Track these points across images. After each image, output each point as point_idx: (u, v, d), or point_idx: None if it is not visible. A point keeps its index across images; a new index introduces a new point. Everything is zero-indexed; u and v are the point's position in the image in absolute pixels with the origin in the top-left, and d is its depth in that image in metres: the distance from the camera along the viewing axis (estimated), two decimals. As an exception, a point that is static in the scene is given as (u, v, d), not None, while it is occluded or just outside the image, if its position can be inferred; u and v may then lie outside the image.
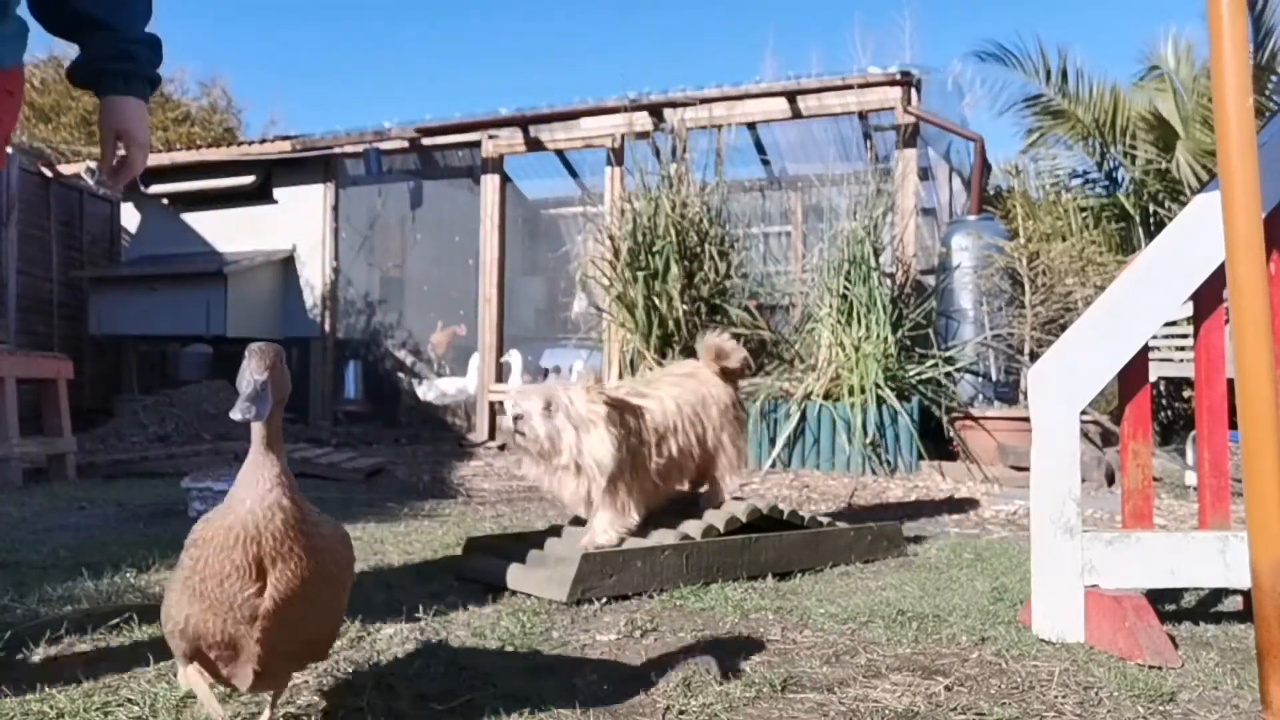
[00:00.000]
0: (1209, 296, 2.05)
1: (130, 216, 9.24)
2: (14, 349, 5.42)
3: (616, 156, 7.23)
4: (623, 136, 7.09)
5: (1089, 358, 2.00)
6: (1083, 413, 2.03)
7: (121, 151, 1.72)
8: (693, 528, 2.58)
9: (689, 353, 3.15)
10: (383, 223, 9.38)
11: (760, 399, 5.32)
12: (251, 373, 1.16)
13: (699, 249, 5.90)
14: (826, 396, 5.28)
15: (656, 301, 5.76)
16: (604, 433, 2.39)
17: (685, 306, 5.74)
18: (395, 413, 8.29)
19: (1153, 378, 4.06)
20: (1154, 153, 8.39)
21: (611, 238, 6.14)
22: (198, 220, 8.83)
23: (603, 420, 2.40)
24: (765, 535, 2.62)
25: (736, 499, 2.88)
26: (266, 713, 1.36)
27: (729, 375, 2.86)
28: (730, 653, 1.86)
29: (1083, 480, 2.24)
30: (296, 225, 8.43)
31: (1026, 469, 2.07)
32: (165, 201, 8.95)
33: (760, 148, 7.83)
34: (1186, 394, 6.65)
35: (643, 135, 6.89)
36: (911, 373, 5.32)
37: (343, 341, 8.62)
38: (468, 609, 2.17)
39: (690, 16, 36.97)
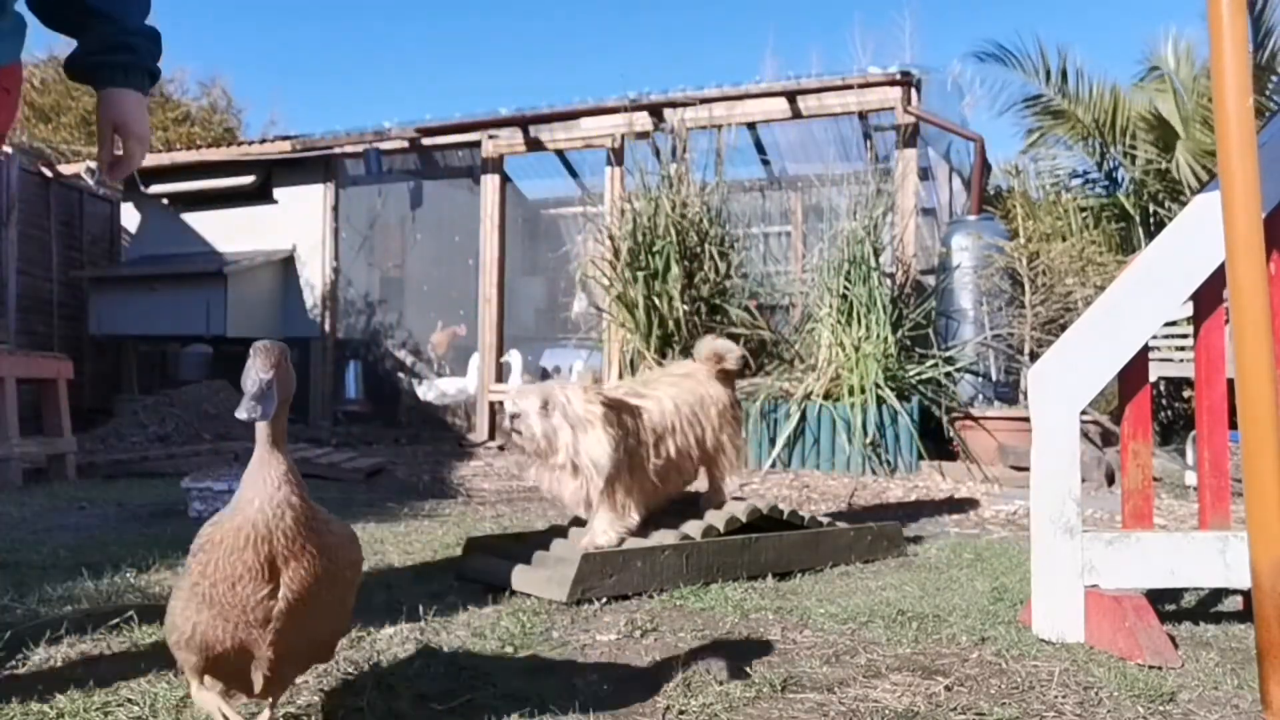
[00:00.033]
0: (1209, 296, 2.05)
1: (130, 216, 9.24)
2: (14, 349, 5.42)
3: (616, 156, 7.22)
4: (623, 136, 7.09)
5: (1089, 358, 2.00)
6: (1083, 413, 2.03)
7: (119, 151, 1.70)
8: (693, 528, 2.58)
9: (689, 353, 3.15)
10: (383, 223, 9.38)
11: (760, 399, 5.32)
12: (257, 371, 1.14)
13: (699, 249, 5.90)
14: (826, 396, 5.28)
15: (656, 301, 5.76)
16: (601, 433, 2.39)
17: (685, 306, 5.74)
18: (395, 413, 8.29)
19: (1153, 378, 4.06)
20: (1154, 153, 8.39)
21: (611, 238, 6.14)
22: (198, 220, 8.83)
23: (600, 420, 2.40)
24: (765, 535, 2.62)
25: (736, 499, 2.88)
26: (266, 713, 1.36)
27: (727, 375, 2.87)
28: (730, 653, 1.86)
29: (1083, 480, 2.24)
30: (296, 225, 8.43)
31: (1026, 469, 2.07)
32: (165, 201, 8.95)
33: (760, 148, 7.82)
34: (1186, 394, 6.65)
35: (643, 135, 6.89)
36: (911, 373, 5.32)
37: (343, 341, 8.62)
38: (468, 609, 2.17)
39: (690, 16, 37.01)
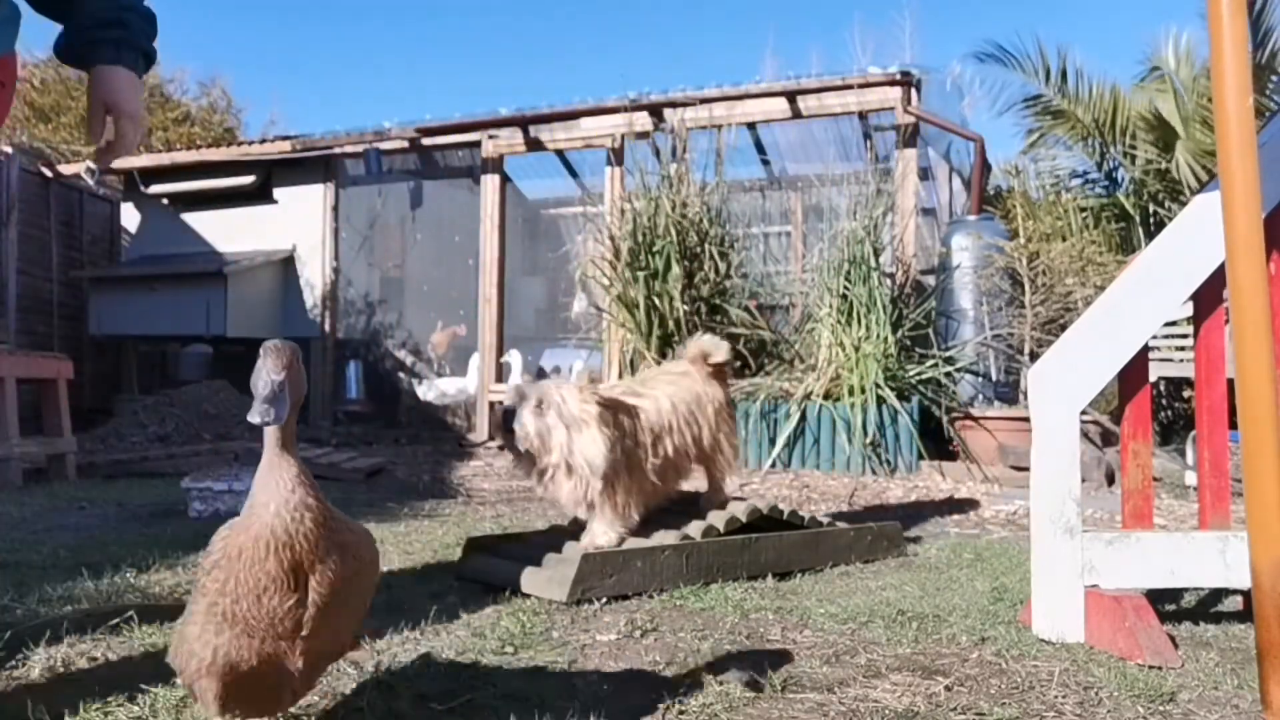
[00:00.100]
0: (1209, 296, 2.05)
1: (130, 216, 9.24)
2: (14, 349, 5.43)
3: (616, 156, 7.23)
4: (623, 136, 7.09)
5: (1089, 358, 2.00)
6: (1083, 413, 2.03)
7: (110, 137, 1.61)
8: (693, 528, 2.58)
9: (688, 353, 3.15)
10: (383, 223, 9.38)
11: (760, 399, 5.32)
12: (268, 372, 1.09)
13: (699, 249, 5.90)
14: (826, 396, 5.28)
15: (657, 301, 5.76)
16: (596, 433, 2.38)
17: (685, 306, 5.74)
18: (395, 413, 8.29)
19: (1153, 378, 4.06)
20: (1154, 153, 8.39)
21: (611, 238, 6.14)
22: (198, 220, 8.83)
23: (595, 420, 2.39)
24: (765, 535, 2.62)
25: (737, 499, 2.88)
26: None
27: (720, 374, 2.87)
28: (730, 653, 1.86)
29: (1083, 480, 2.24)
30: (296, 225, 8.43)
31: (1026, 469, 2.07)
32: (165, 201, 8.95)
33: (760, 148, 7.83)
34: (1186, 394, 6.65)
35: (643, 135, 6.89)
36: (911, 373, 5.32)
37: (343, 341, 8.63)
38: (468, 609, 2.17)
39: (690, 16, 36.99)
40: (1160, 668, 1.79)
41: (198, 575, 1.16)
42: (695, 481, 2.89)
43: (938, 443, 5.22)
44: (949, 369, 5.40)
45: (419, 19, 36.12)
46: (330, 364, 8.38)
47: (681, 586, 2.39)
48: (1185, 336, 5.66)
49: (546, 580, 2.29)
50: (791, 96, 6.73)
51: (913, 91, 6.37)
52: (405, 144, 8.05)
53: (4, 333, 7.60)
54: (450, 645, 1.87)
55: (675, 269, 5.76)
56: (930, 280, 6.35)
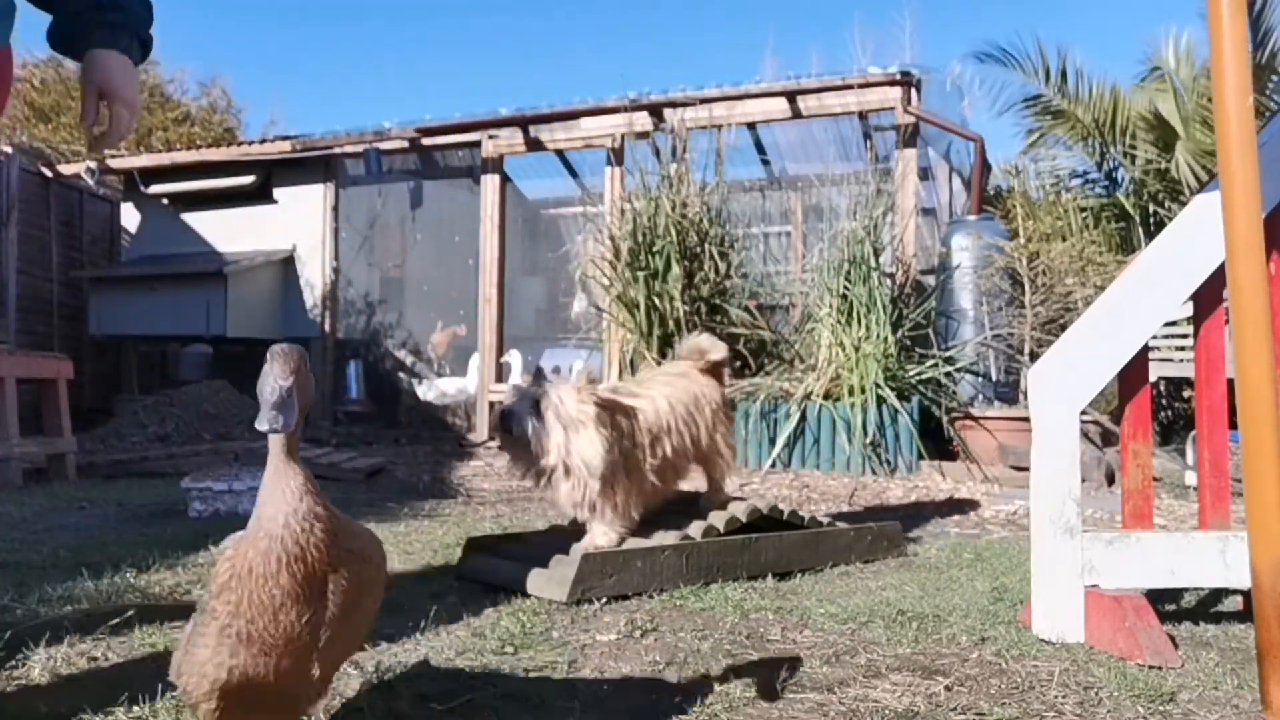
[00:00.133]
0: (1209, 296, 2.05)
1: (130, 216, 9.24)
2: (14, 349, 5.42)
3: (616, 156, 7.23)
4: (623, 136, 7.09)
5: (1089, 358, 2.00)
6: (1083, 413, 2.03)
7: (104, 125, 1.55)
8: (693, 528, 2.58)
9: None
10: (383, 223, 9.38)
11: (760, 399, 5.32)
12: (275, 378, 1.05)
13: (699, 249, 5.90)
14: (826, 396, 5.28)
15: (657, 301, 5.76)
16: (593, 434, 2.37)
17: (685, 306, 5.74)
18: (395, 413, 8.29)
19: (1153, 378, 4.06)
20: (1154, 153, 8.40)
21: (611, 238, 6.14)
22: (198, 220, 8.83)
23: (592, 421, 2.38)
24: (765, 535, 2.62)
25: (737, 499, 2.88)
26: None
27: (717, 374, 2.87)
28: (730, 653, 1.86)
29: (1083, 480, 2.24)
30: (296, 225, 8.43)
31: (1026, 469, 2.07)
32: (165, 201, 8.95)
33: (760, 148, 7.83)
34: (1186, 394, 6.65)
35: (643, 135, 6.89)
36: (911, 373, 5.32)
37: (343, 341, 8.63)
38: (468, 609, 2.17)
39: (690, 16, 36.99)
40: (1160, 668, 1.79)
41: (204, 597, 1.12)
42: (695, 481, 2.89)
43: (938, 443, 5.22)
44: (949, 369, 5.40)
45: (419, 19, 36.14)
46: (330, 364, 8.38)
47: (681, 586, 2.39)
48: (1185, 336, 5.66)
49: (546, 580, 2.29)
50: (791, 96, 6.73)
51: (913, 91, 6.37)
52: (405, 144, 8.05)
53: (4, 333, 7.60)
54: (450, 645, 1.87)
55: (675, 269, 5.76)
56: (930, 280, 6.35)
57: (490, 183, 7.75)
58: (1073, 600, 1.95)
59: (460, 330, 9.11)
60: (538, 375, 2.55)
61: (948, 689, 1.66)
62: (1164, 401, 6.77)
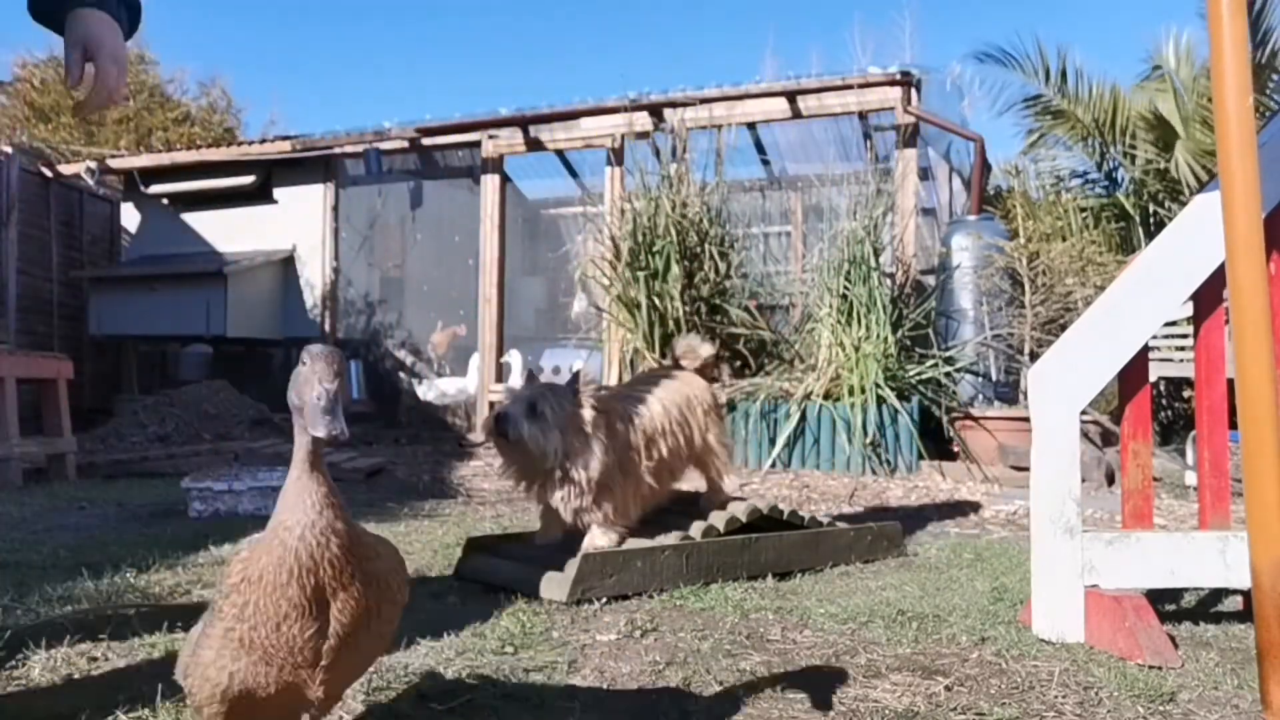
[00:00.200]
0: (1209, 296, 2.05)
1: (130, 216, 9.24)
2: (14, 349, 5.42)
3: (616, 156, 7.23)
4: (623, 136, 7.09)
5: (1089, 358, 2.00)
6: (1083, 413, 2.03)
7: (89, 84, 1.47)
8: (693, 528, 2.58)
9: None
10: (383, 223, 9.38)
11: (760, 399, 5.32)
12: (322, 381, 1.02)
13: (699, 249, 5.90)
14: (826, 396, 5.28)
15: (657, 301, 5.76)
16: (591, 436, 2.37)
17: (685, 306, 5.74)
18: (395, 413, 8.29)
19: (1153, 378, 4.06)
20: (1154, 153, 8.40)
21: (611, 238, 6.14)
22: (198, 220, 8.84)
23: (589, 423, 2.38)
24: (765, 535, 2.62)
25: (737, 499, 2.88)
26: None
27: (706, 374, 2.88)
28: (730, 653, 1.86)
29: (1083, 480, 2.24)
30: (296, 225, 8.43)
31: (1026, 469, 2.07)
32: (165, 201, 8.95)
33: (760, 148, 7.83)
34: (1186, 394, 6.65)
35: (643, 135, 6.89)
36: (911, 373, 5.32)
37: (343, 341, 8.62)
38: (468, 609, 2.17)
39: (690, 16, 36.98)
40: (1160, 668, 1.79)
41: (214, 597, 1.12)
42: (695, 482, 2.89)
43: (938, 443, 5.22)
44: (949, 369, 5.40)
45: (419, 19, 36.14)
46: (330, 364, 8.35)
47: (681, 586, 2.39)
48: (1185, 336, 5.66)
49: (546, 580, 2.28)
50: (791, 96, 6.73)
51: (913, 91, 6.37)
52: (405, 144, 8.05)
53: (4, 333, 7.60)
54: (450, 645, 1.87)
55: (675, 269, 5.76)
56: (930, 280, 6.35)
57: (490, 183, 7.75)
58: (1073, 600, 1.95)
59: (460, 330, 9.11)
60: (530, 378, 2.54)
61: (948, 689, 1.66)
62: (1164, 401, 6.77)
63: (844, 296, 5.49)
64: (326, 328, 8.35)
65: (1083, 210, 8.20)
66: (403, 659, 1.77)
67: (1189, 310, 2.16)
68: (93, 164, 8.85)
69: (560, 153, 8.15)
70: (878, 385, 5.12)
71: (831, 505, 4.16)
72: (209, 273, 7.92)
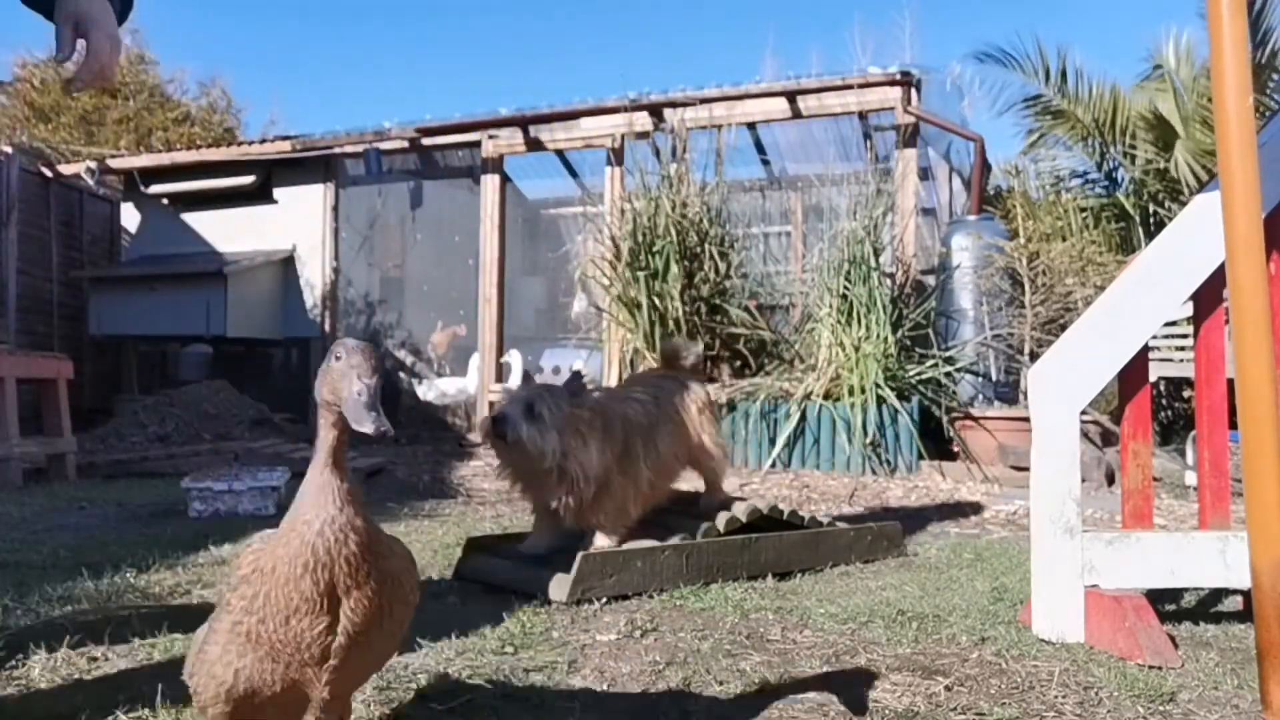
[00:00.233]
0: (1209, 296, 2.05)
1: (130, 216, 9.24)
2: (14, 349, 5.42)
3: (616, 156, 7.22)
4: (623, 136, 7.09)
5: (1089, 358, 2.00)
6: (1083, 413, 2.03)
7: (80, 58, 1.44)
8: (693, 528, 2.58)
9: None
10: (383, 223, 9.38)
11: (760, 399, 5.32)
12: (362, 376, 1.01)
13: (699, 249, 5.90)
14: (826, 396, 5.28)
15: (657, 301, 5.76)
16: (589, 436, 2.37)
17: (685, 306, 5.74)
18: (395, 413, 8.28)
19: (1153, 378, 4.06)
20: (1154, 153, 8.39)
21: (612, 238, 6.14)
22: (198, 220, 8.83)
23: (586, 424, 2.38)
24: (765, 535, 2.62)
25: (737, 499, 2.88)
26: None
27: (698, 374, 2.90)
28: (730, 653, 1.86)
29: (1083, 480, 2.24)
30: (296, 225, 8.43)
31: (1026, 469, 2.07)
32: (165, 201, 8.95)
33: (760, 148, 7.82)
34: (1186, 394, 6.65)
35: (643, 135, 6.89)
36: (911, 373, 5.32)
37: (343, 342, 8.61)
38: (467, 609, 2.17)
39: (690, 16, 36.95)
40: (1160, 668, 1.79)
41: (222, 591, 1.10)
42: (695, 482, 2.89)
43: (938, 443, 5.22)
44: (949, 369, 5.40)
45: (419, 19, 36.11)
46: (330, 364, 8.36)
47: (681, 586, 2.39)
48: (1185, 336, 5.66)
49: (546, 580, 2.28)
50: (791, 96, 6.73)
51: (913, 91, 6.37)
52: (405, 144, 8.04)
53: (4, 333, 7.60)
54: (450, 645, 1.87)
55: (675, 269, 5.76)
56: (930, 280, 6.35)
57: (490, 183, 7.75)
58: (1073, 600, 1.95)
59: (460, 330, 9.11)
60: (526, 379, 2.54)
61: (948, 689, 1.66)
62: (1164, 401, 6.77)
63: (844, 296, 5.49)
64: (326, 328, 8.35)
65: (1083, 210, 8.19)
66: (403, 659, 1.77)
67: (1189, 310, 2.16)
68: (93, 164, 8.84)
69: (560, 153, 8.15)
70: (878, 385, 5.12)
71: (831, 505, 4.16)
72: (209, 273, 7.91)
